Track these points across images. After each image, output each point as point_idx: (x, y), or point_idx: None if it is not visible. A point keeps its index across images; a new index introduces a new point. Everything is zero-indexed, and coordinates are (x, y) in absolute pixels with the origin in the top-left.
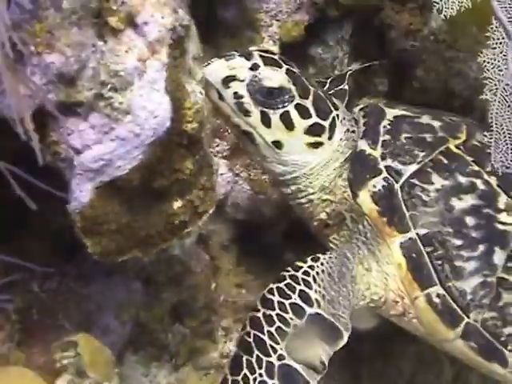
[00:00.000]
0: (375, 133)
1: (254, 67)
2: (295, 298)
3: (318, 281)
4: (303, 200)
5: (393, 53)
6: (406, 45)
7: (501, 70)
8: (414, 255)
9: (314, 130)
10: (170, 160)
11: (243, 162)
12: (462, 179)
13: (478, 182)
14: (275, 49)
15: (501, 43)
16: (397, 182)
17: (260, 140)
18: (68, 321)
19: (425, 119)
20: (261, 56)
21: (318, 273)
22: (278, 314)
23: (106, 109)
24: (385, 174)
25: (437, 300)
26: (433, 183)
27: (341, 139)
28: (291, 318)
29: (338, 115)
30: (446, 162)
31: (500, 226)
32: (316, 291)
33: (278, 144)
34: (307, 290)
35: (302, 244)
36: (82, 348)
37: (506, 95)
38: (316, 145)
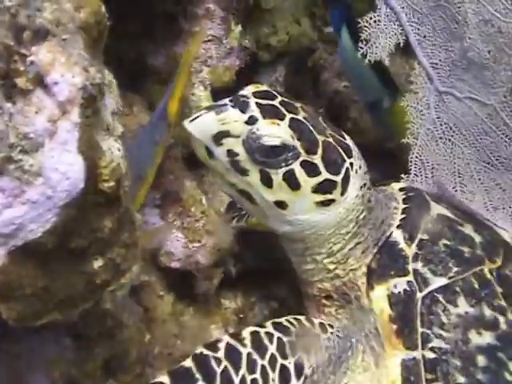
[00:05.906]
0: (415, 227)
1: (251, 121)
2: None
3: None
4: (308, 259)
5: (326, 94)
6: (339, 86)
7: (423, 115)
8: (412, 378)
9: (323, 188)
10: (87, 220)
11: (176, 211)
12: (487, 312)
13: (501, 320)
14: (205, 94)
15: (423, 87)
16: (420, 291)
17: (260, 200)
18: None
19: (467, 229)
20: (258, 105)
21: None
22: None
23: (16, 172)
24: (410, 278)
25: None
26: (457, 306)
27: (357, 196)
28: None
29: (351, 164)
30: (477, 286)
31: (509, 377)
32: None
33: (281, 204)
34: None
35: (239, 291)
36: None
37: (428, 140)
38: (327, 202)
